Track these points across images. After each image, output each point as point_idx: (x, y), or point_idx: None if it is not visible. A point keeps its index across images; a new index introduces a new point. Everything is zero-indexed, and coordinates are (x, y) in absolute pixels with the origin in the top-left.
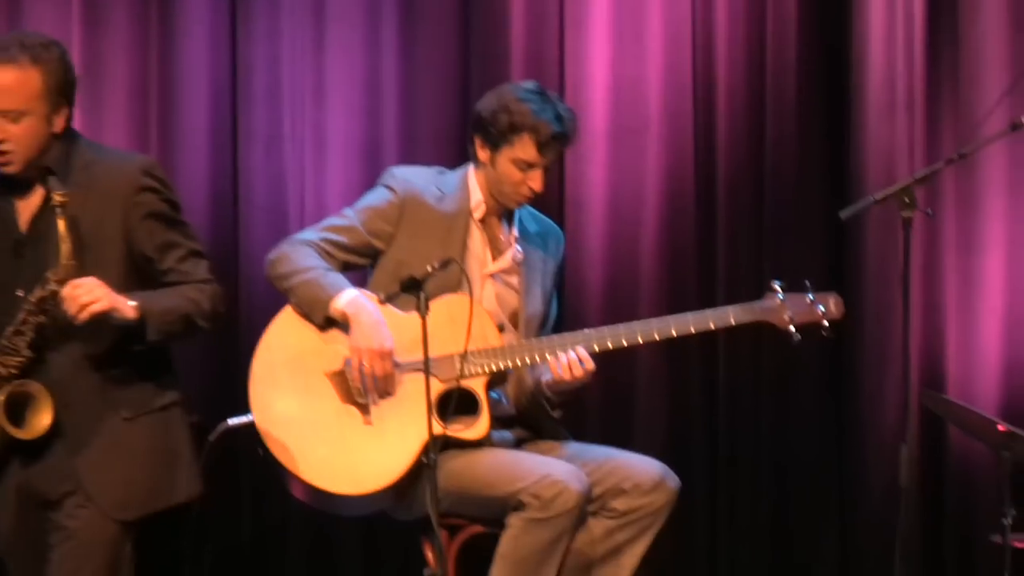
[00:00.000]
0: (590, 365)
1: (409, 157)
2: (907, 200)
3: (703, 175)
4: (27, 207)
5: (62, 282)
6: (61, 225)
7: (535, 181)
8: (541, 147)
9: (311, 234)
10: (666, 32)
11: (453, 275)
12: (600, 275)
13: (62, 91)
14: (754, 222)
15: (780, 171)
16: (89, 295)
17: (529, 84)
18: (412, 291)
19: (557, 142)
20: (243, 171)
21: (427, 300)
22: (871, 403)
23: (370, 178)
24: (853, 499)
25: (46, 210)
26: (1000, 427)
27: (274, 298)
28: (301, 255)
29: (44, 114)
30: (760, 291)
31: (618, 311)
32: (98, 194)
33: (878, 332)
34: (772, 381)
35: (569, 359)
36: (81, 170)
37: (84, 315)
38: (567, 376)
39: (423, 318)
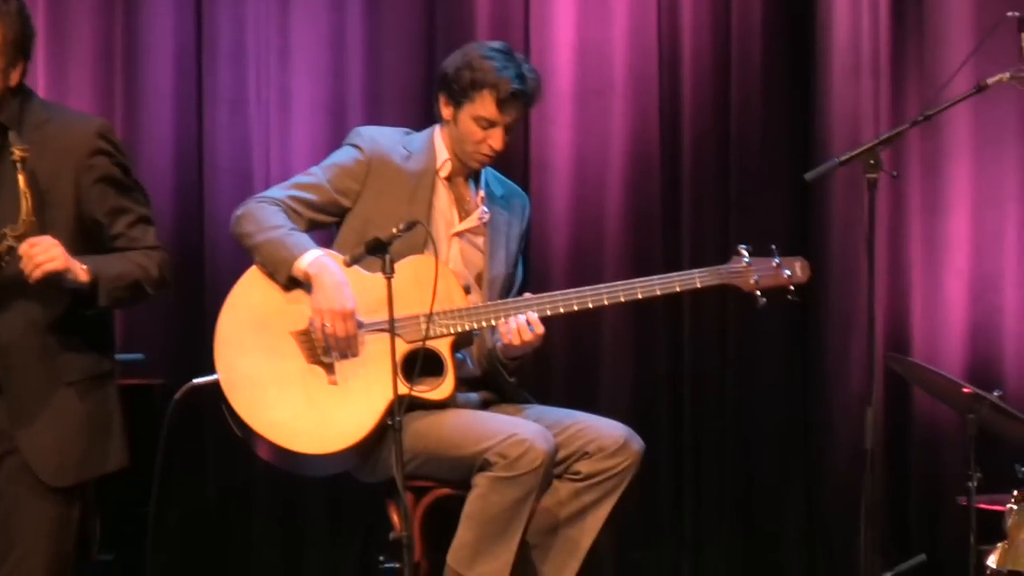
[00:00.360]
0: (539, 329)
1: (374, 119)
2: (872, 162)
3: (668, 138)
4: None
5: (20, 238)
6: (21, 180)
7: (495, 140)
8: (501, 104)
9: (278, 192)
10: None
11: (419, 236)
12: (565, 237)
13: (19, 45)
14: (719, 184)
15: (745, 133)
16: (45, 254)
17: (496, 43)
18: (377, 253)
19: (517, 100)
20: (208, 133)
21: (392, 262)
22: (836, 366)
23: (335, 140)
24: (819, 462)
25: (0, 164)
26: (965, 389)
27: (239, 260)
28: (267, 213)
29: (0, 67)
30: (725, 253)
31: (583, 273)
32: (52, 153)
33: (843, 295)
34: (737, 344)
35: (518, 324)
36: (35, 128)
37: (38, 273)
38: (516, 341)
39: (388, 280)
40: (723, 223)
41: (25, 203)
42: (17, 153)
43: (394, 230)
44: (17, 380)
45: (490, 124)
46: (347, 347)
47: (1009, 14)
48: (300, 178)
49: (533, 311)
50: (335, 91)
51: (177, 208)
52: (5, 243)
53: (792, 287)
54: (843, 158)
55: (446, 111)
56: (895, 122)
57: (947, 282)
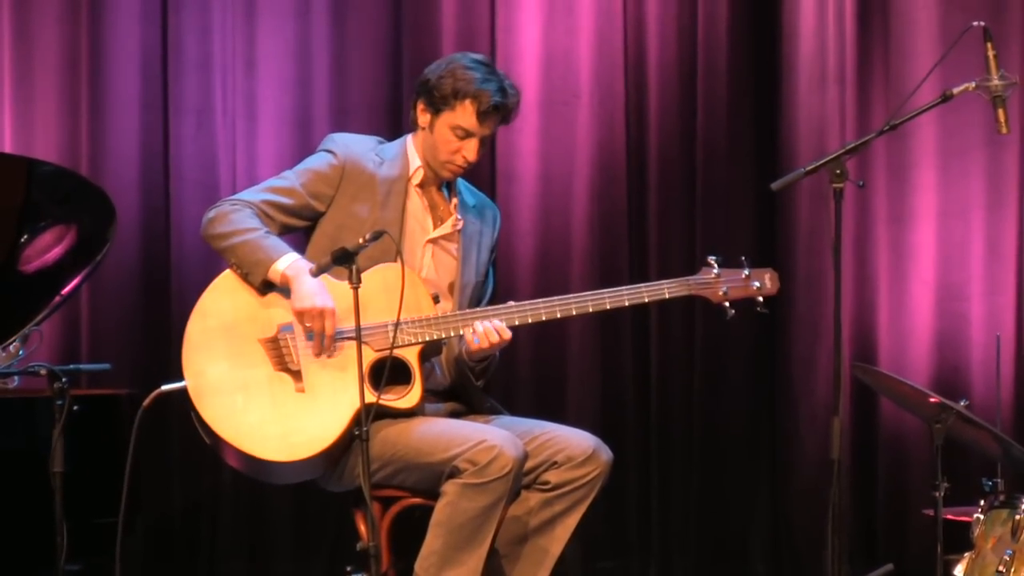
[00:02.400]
0: (506, 335)
1: (340, 129)
2: (838, 171)
3: (634, 147)
4: None
5: None
6: None
7: (470, 151)
8: (481, 115)
9: (251, 195)
10: (597, 4)
11: (390, 243)
12: (531, 246)
13: None
14: (685, 193)
15: (711, 142)
16: None
17: (478, 56)
18: (343, 263)
19: (497, 112)
20: (174, 143)
21: (358, 272)
22: (803, 375)
23: (301, 150)
24: (786, 471)
25: None
26: (932, 399)
27: (205, 269)
28: (241, 216)
29: None
30: (692, 262)
31: (549, 282)
32: None
33: (810, 304)
34: (704, 353)
35: (484, 328)
36: None
37: None
38: (484, 345)
39: (354, 290)
40: (689, 232)
41: None
42: None
43: (360, 240)
44: None
45: (467, 134)
46: (329, 346)
47: (975, 23)
48: (273, 182)
49: (500, 319)
50: (301, 101)
51: (143, 217)
52: None
53: (761, 299)
54: (809, 167)
55: (423, 118)
56: (861, 131)
57: (913, 291)
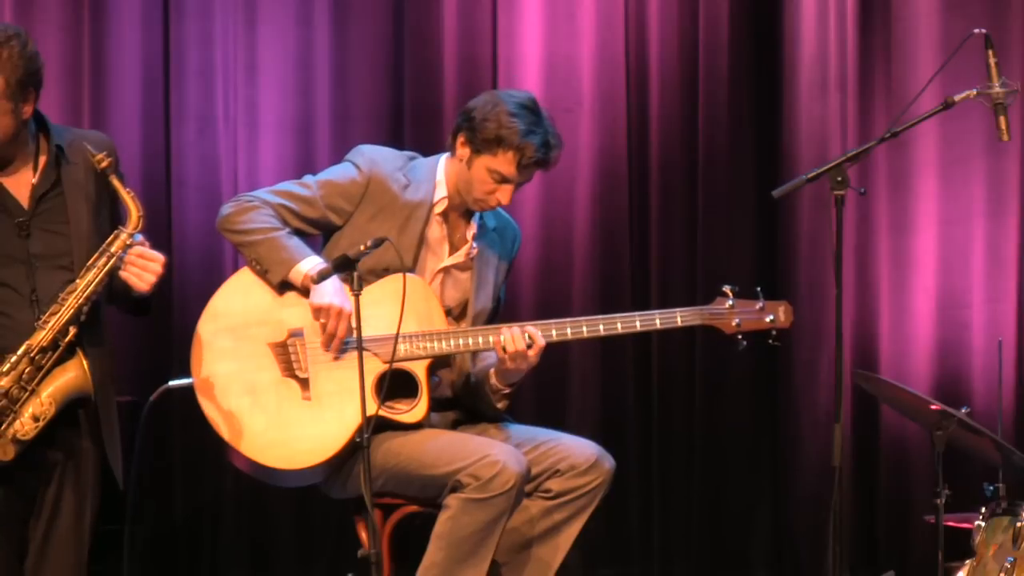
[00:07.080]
0: (540, 343)
1: (341, 136)
2: (839, 178)
3: (636, 153)
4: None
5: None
6: (117, 183)
7: (504, 195)
8: (521, 167)
9: (270, 196)
10: (598, 10)
11: (405, 251)
12: (533, 252)
13: (24, 83)
14: (687, 200)
15: (713, 149)
16: (157, 261)
17: (524, 97)
18: (344, 270)
19: (537, 167)
20: (175, 150)
21: (360, 280)
22: (805, 382)
23: (303, 158)
24: (787, 478)
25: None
26: (933, 406)
27: (207, 276)
28: (262, 214)
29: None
30: (693, 270)
31: (551, 289)
32: (87, 166)
33: (811, 311)
34: (706, 360)
35: (512, 334)
36: (69, 145)
37: (154, 279)
38: (510, 348)
39: (356, 297)
40: (691, 238)
41: (133, 204)
42: (103, 161)
43: (361, 247)
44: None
45: (503, 180)
46: (337, 348)
47: (976, 31)
48: (294, 188)
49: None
50: (302, 108)
51: (144, 223)
52: (123, 239)
53: (774, 332)
54: (810, 175)
55: (462, 151)
56: (862, 138)
57: (915, 299)
